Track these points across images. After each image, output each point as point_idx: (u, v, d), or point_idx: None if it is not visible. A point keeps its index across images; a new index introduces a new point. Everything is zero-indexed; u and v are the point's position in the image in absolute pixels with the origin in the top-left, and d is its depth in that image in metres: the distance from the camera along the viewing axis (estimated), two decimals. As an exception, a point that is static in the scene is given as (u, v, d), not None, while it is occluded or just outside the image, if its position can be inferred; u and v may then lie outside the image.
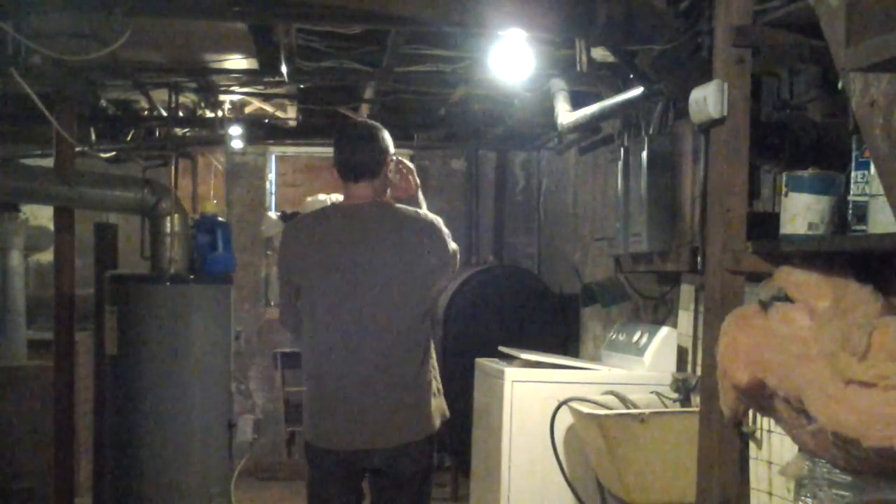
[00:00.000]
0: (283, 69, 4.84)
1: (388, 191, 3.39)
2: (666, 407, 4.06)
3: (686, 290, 4.32)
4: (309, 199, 3.78)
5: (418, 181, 3.47)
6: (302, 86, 5.68)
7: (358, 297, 3.23)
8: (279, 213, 3.90)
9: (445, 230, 3.34)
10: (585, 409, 3.97)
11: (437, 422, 3.33)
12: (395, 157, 3.38)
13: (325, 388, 3.27)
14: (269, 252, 4.00)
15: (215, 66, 5.19)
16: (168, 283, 4.88)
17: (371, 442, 3.23)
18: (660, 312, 4.71)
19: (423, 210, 3.40)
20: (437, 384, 3.37)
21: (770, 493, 3.41)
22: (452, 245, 3.36)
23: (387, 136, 3.33)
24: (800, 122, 3.11)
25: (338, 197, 3.72)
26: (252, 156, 7.66)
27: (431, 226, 3.31)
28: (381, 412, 3.22)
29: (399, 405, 3.23)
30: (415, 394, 3.26)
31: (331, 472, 3.29)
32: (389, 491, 3.30)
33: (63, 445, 5.26)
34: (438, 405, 3.35)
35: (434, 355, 3.39)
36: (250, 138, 6.69)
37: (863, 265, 2.37)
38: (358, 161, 3.27)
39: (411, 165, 3.48)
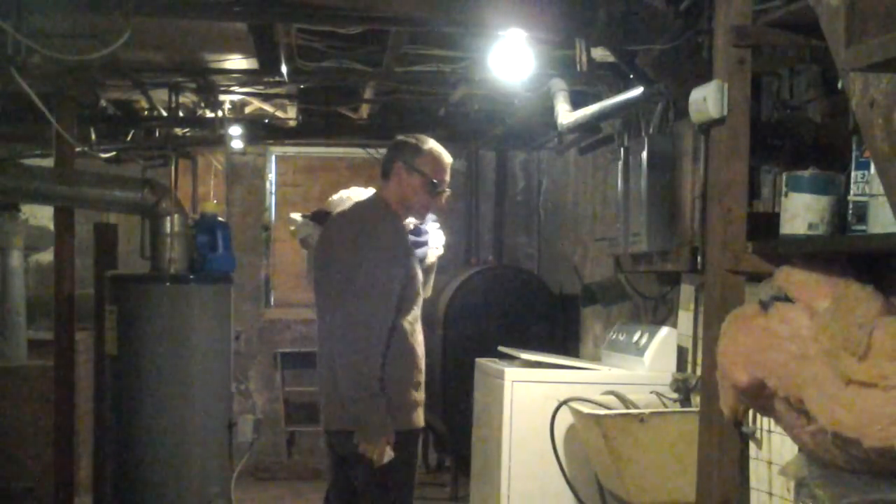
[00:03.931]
0: (283, 69, 4.84)
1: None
2: (666, 407, 4.06)
3: (686, 290, 4.32)
4: (333, 197, 3.85)
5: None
6: (302, 86, 5.68)
7: (321, 292, 3.52)
8: (310, 214, 3.93)
9: (382, 252, 3.28)
10: (585, 409, 3.97)
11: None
12: (419, 178, 3.42)
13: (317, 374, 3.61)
14: (304, 251, 4.06)
15: (215, 66, 5.19)
16: (168, 283, 4.87)
17: (326, 423, 3.51)
18: (660, 312, 4.71)
19: (373, 235, 3.34)
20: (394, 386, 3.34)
21: (770, 493, 3.41)
22: (372, 269, 3.26)
23: (407, 150, 3.46)
24: (800, 122, 3.11)
25: (354, 193, 3.87)
26: (252, 156, 7.66)
27: (367, 235, 3.32)
28: (329, 399, 3.44)
29: (336, 394, 3.36)
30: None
31: (327, 451, 3.62)
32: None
33: (63, 445, 5.26)
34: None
35: (394, 357, 3.33)
36: (250, 138, 6.69)
37: (863, 265, 2.37)
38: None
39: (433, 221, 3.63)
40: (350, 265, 3.30)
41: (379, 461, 3.24)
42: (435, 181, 3.43)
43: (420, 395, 3.43)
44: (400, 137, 3.55)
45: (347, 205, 3.72)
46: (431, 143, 3.49)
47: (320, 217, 3.78)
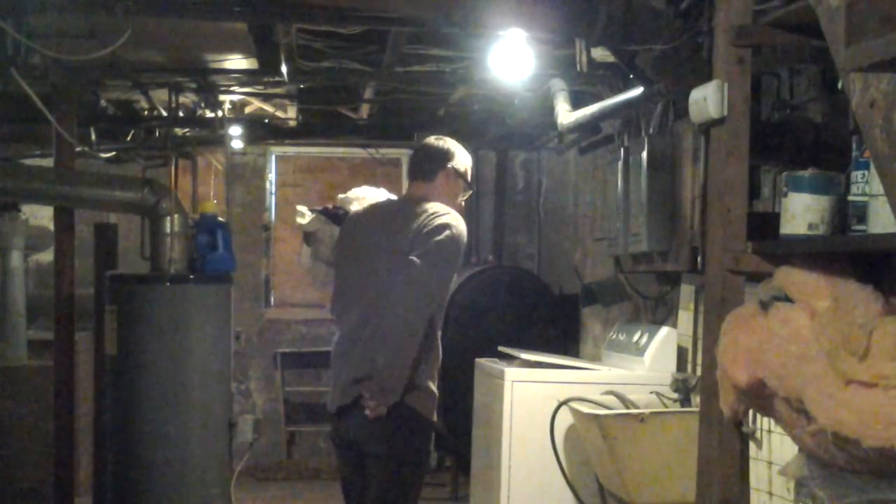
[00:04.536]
0: (283, 69, 4.84)
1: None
2: (666, 407, 4.06)
3: (686, 290, 4.32)
4: (348, 195, 3.88)
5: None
6: (302, 86, 5.68)
7: (359, 280, 3.51)
8: (320, 209, 3.97)
9: (449, 247, 3.37)
10: (585, 409, 3.97)
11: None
12: (460, 182, 3.61)
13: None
14: (307, 246, 4.07)
15: (215, 66, 5.18)
16: (168, 283, 4.88)
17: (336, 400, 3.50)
18: (660, 312, 4.71)
19: (453, 223, 3.42)
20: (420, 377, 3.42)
21: (770, 493, 3.41)
22: (434, 265, 3.34)
23: (447, 153, 3.58)
24: (800, 122, 3.11)
25: (367, 193, 3.99)
26: (252, 156, 7.66)
27: (434, 228, 3.38)
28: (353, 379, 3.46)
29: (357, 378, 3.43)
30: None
31: (332, 437, 3.62)
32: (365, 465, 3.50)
33: (63, 445, 5.26)
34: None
35: (426, 350, 3.42)
36: (250, 138, 6.69)
37: (863, 265, 2.37)
38: (413, 161, 3.68)
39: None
40: (414, 252, 3.35)
41: (375, 413, 3.35)
42: (472, 188, 3.73)
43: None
44: (439, 142, 3.64)
45: (368, 203, 3.75)
46: (464, 150, 3.68)
47: (333, 214, 3.78)
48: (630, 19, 3.24)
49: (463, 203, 3.67)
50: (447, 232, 3.36)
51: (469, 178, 3.66)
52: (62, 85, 4.94)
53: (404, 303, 3.31)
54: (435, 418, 3.51)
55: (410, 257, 3.32)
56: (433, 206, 3.47)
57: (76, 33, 4.12)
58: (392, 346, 3.31)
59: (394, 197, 3.85)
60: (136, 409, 4.78)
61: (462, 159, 3.62)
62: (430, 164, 3.58)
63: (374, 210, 3.66)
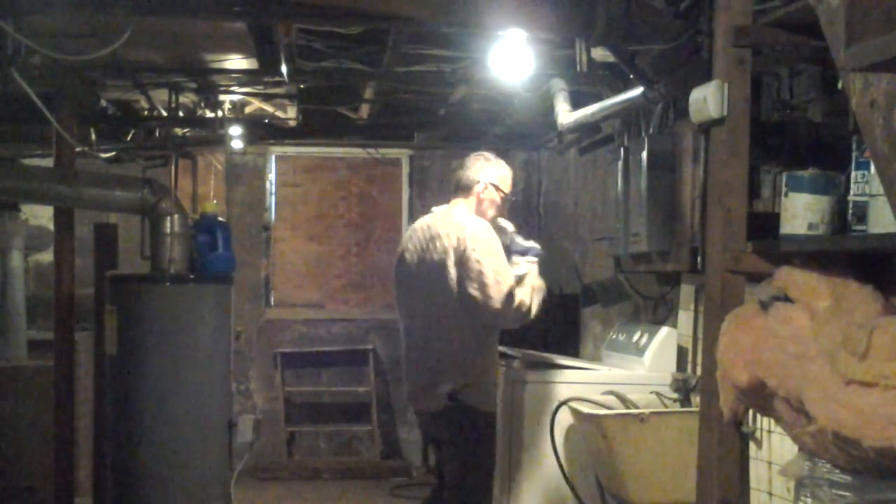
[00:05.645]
0: (283, 69, 4.84)
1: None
2: (666, 407, 4.06)
3: (686, 290, 4.32)
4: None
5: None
6: (302, 86, 5.68)
7: (410, 290, 3.94)
8: None
9: (480, 246, 3.72)
10: (585, 409, 3.97)
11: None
12: (497, 193, 3.97)
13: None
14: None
15: (215, 66, 5.18)
16: (168, 283, 4.87)
17: (426, 406, 3.93)
18: (660, 312, 4.71)
19: (473, 231, 3.76)
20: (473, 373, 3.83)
21: (770, 493, 3.41)
22: (477, 265, 3.70)
23: (482, 167, 3.95)
24: (800, 122, 3.11)
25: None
26: (252, 156, 7.66)
27: (462, 235, 3.75)
28: (427, 384, 3.90)
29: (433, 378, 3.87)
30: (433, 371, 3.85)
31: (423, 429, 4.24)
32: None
33: (63, 445, 5.26)
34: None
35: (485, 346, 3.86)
36: (250, 138, 6.69)
37: (863, 265, 2.37)
38: (453, 178, 4.01)
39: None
40: (458, 273, 3.74)
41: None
42: (511, 197, 4.06)
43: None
44: (478, 159, 3.98)
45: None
46: (504, 163, 4.05)
47: None
48: (630, 19, 3.24)
49: (505, 212, 4.02)
50: (471, 242, 3.70)
51: (507, 189, 3.98)
52: (62, 85, 4.94)
53: (478, 326, 3.75)
54: (496, 409, 3.89)
55: (468, 291, 3.69)
56: (455, 218, 3.82)
57: (76, 33, 4.12)
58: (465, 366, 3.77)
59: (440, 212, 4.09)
60: (136, 410, 4.78)
61: (499, 172, 3.97)
62: (467, 180, 3.92)
63: (415, 228, 4.01)
